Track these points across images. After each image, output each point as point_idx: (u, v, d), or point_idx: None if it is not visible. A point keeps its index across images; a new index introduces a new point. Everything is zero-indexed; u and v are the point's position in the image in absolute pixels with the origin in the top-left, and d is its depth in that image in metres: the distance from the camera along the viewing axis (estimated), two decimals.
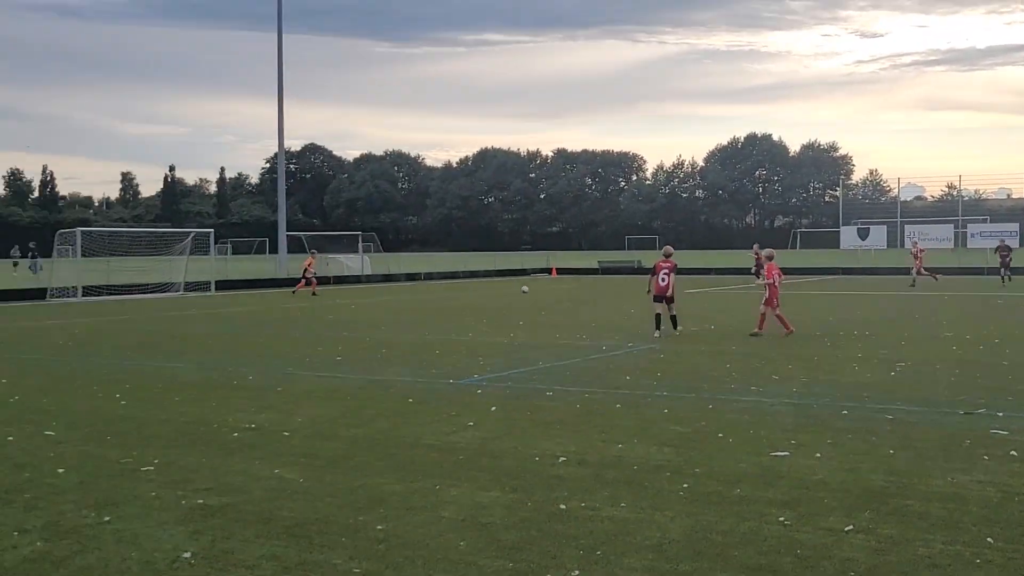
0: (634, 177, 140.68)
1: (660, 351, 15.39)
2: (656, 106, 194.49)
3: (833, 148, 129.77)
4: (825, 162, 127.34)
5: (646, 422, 9.34)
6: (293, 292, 33.61)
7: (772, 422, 9.29)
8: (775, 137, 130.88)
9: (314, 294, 33.10)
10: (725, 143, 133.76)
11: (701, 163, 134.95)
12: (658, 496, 6.67)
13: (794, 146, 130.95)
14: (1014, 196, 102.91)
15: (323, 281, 41.64)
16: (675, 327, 17.56)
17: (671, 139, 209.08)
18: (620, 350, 15.70)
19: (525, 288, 32.87)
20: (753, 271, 37.93)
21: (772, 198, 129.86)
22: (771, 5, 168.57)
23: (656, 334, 17.30)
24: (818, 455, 7.85)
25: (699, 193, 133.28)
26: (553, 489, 6.86)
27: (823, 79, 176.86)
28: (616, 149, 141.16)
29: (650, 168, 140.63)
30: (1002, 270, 36.38)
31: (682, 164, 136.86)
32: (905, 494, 6.68)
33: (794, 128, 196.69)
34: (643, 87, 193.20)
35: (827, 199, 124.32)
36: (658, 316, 17.57)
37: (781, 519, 6.10)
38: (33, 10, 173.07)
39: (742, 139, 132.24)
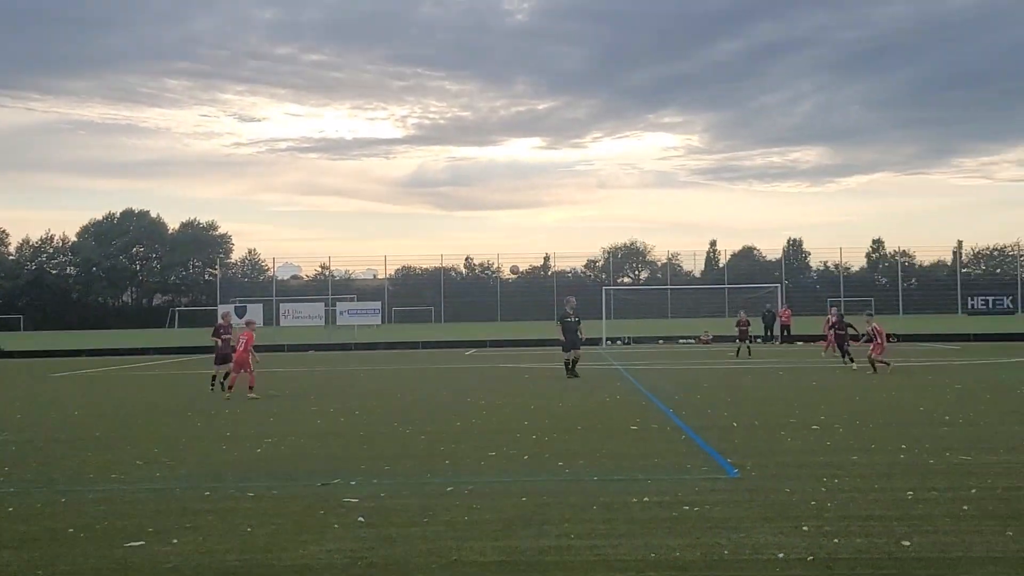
0: None
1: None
2: (21, 176, 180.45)
3: (212, 227, 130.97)
4: (205, 240, 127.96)
5: None
6: None
7: (131, 511, 8.87)
8: (153, 214, 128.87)
9: None
10: (100, 218, 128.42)
11: (74, 238, 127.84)
12: None
13: (173, 223, 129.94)
14: (379, 276, 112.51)
15: None
16: None
17: (39, 213, 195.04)
18: None
19: None
20: None
21: (151, 276, 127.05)
22: (148, 81, 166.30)
23: None
24: (175, 540, 7.65)
25: (71, 270, 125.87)
26: None
27: (203, 158, 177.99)
28: None
29: (13, 243, 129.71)
30: None
31: (51, 239, 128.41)
32: (258, 571, 6.75)
33: (174, 206, 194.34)
34: (6, 156, 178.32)
35: (207, 277, 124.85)
36: None
37: None
38: None
39: (118, 215, 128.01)
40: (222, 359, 22.36)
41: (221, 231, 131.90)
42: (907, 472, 10.14)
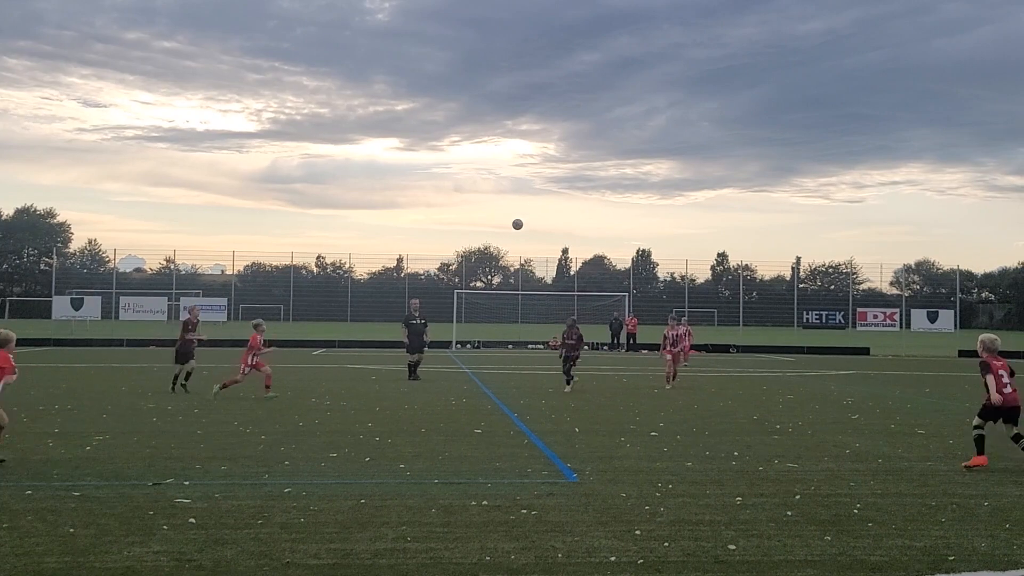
0: None
1: None
2: None
3: (50, 214, 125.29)
4: (41, 228, 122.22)
5: None
6: None
7: None
8: None
9: None
10: None
11: None
12: None
13: (8, 209, 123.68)
14: (227, 272, 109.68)
15: None
16: None
17: None
18: None
19: None
20: None
21: None
22: None
23: None
24: None
25: None
26: None
27: (43, 143, 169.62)
28: None
29: None
30: None
31: None
32: (78, 573, 6.47)
33: (9, 191, 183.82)
34: None
35: (43, 267, 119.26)
36: None
37: None
38: None
39: None
40: (184, 357, 21.33)
41: (60, 219, 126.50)
42: (737, 478, 10.51)
